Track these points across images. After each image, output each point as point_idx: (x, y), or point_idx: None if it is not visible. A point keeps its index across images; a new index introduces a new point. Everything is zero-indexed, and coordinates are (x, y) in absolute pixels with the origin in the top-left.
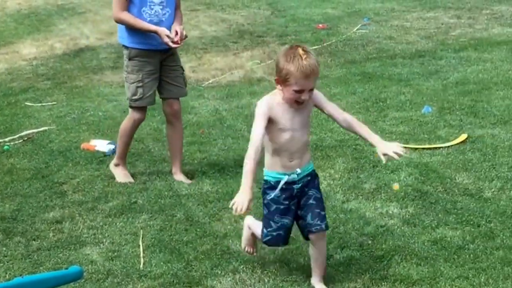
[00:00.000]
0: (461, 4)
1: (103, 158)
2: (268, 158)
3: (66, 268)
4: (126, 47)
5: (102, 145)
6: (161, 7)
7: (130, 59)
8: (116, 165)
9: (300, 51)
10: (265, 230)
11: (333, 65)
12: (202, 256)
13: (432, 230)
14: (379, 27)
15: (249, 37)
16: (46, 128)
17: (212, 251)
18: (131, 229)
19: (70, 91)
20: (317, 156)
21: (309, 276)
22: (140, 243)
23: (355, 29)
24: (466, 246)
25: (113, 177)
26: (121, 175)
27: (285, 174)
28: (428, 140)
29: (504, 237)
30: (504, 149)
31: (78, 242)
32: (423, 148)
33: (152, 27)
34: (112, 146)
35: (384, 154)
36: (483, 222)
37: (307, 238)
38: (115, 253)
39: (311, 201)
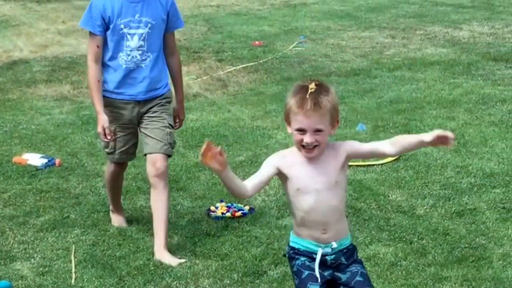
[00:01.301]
0: (396, 24)
1: (35, 172)
2: (295, 226)
3: None
4: None
5: (34, 159)
6: (140, 52)
7: None
8: (112, 211)
9: (312, 85)
10: None
11: (269, 82)
12: (135, 272)
13: (365, 247)
14: (315, 45)
15: (186, 53)
16: None
17: (145, 267)
18: (63, 244)
19: (3, 104)
20: (251, 172)
21: None
22: (72, 258)
23: (291, 47)
24: (399, 263)
25: (45, 191)
26: (114, 220)
27: (318, 246)
28: None
29: (435, 254)
30: (436, 167)
31: (9, 257)
32: (357, 165)
33: (98, 107)
34: (45, 160)
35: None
36: (415, 239)
37: None
38: (46, 268)
39: (358, 278)
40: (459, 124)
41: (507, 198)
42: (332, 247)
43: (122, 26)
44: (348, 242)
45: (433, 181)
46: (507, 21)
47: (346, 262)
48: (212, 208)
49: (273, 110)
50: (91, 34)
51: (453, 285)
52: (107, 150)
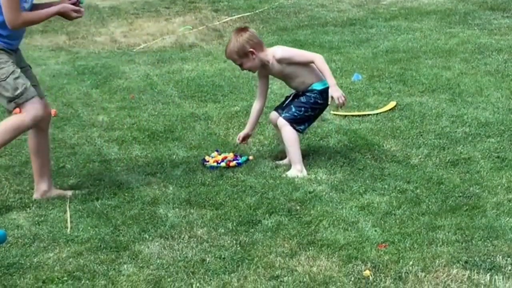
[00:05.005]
0: None
1: None
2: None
3: None
4: None
5: None
6: None
7: None
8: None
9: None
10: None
11: (265, 32)
12: (130, 221)
13: (359, 196)
14: None
15: (181, 3)
16: None
17: (140, 216)
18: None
19: None
20: (247, 122)
21: (237, 240)
22: (67, 207)
23: None
24: (393, 212)
25: None
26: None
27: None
28: (357, 107)
29: (429, 203)
30: (431, 117)
31: (4, 206)
32: (352, 115)
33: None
34: None
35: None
36: (410, 188)
37: None
38: (42, 218)
39: None
40: (454, 73)
41: (501, 147)
42: None
43: None
44: None
45: (428, 130)
46: None
47: None
48: (207, 157)
49: None
50: None
51: (447, 233)
52: (19, 90)
